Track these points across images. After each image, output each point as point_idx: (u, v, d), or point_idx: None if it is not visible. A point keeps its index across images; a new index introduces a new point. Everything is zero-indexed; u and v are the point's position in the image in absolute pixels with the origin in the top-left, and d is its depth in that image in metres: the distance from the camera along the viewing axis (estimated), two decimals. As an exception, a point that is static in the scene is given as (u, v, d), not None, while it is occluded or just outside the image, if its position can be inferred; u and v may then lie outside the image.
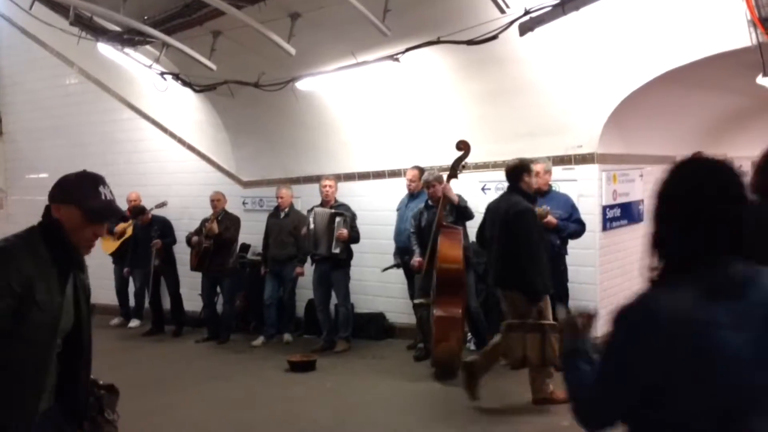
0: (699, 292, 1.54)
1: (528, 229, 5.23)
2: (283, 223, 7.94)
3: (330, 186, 7.48)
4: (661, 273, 1.63)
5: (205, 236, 8.05)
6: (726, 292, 1.55)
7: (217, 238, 8.01)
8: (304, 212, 7.84)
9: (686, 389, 1.52)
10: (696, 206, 1.60)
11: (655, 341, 1.53)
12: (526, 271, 5.15)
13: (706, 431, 1.53)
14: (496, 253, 5.43)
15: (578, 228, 6.29)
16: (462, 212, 6.44)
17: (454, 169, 6.37)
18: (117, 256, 9.24)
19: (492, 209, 5.63)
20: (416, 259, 6.67)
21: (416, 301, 6.78)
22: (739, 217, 1.59)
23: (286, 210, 7.97)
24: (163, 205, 8.95)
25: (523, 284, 5.19)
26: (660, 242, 1.66)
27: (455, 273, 6.13)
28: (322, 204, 7.50)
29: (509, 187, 5.52)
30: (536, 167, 6.27)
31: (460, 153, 6.34)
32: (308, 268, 7.97)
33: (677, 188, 1.67)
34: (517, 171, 5.42)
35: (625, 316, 1.61)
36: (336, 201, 7.54)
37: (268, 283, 8.01)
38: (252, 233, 8.47)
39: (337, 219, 7.27)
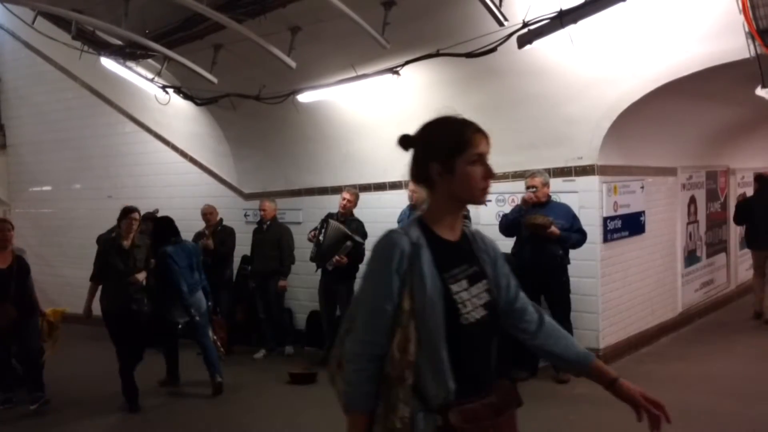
0: None
1: None
2: (265, 237, 7.94)
3: (349, 201, 7.42)
4: None
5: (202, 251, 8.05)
6: None
7: (213, 253, 8.01)
8: (308, 222, 7.85)
9: None
10: None
11: None
12: None
13: None
14: None
15: (580, 238, 6.29)
16: None
17: None
18: None
19: (758, 203, 8.67)
20: None
21: None
22: None
23: (269, 223, 7.97)
24: (155, 211, 8.95)
25: None
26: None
27: None
28: (338, 215, 7.47)
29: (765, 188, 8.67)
30: (534, 181, 6.29)
31: None
32: (300, 280, 8.00)
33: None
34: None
35: None
36: (352, 215, 7.51)
37: (258, 297, 8.02)
38: (253, 245, 8.48)
39: (347, 243, 7.22)
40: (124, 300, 6.18)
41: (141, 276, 6.33)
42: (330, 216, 7.47)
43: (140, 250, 6.41)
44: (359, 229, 7.38)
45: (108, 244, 6.49)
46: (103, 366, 6.80)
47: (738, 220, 9.17)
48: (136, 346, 6.31)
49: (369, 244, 7.47)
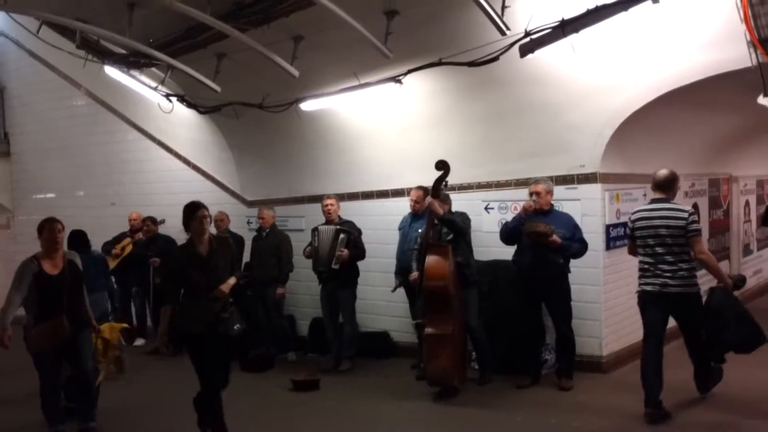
0: None
1: None
2: (264, 244, 7.96)
3: (332, 205, 7.48)
4: None
5: None
6: None
7: None
8: (305, 231, 7.86)
9: None
10: None
11: None
12: None
13: None
14: None
15: (581, 247, 6.28)
16: (449, 225, 6.38)
17: (436, 189, 6.38)
18: (118, 275, 9.22)
19: None
20: (413, 273, 6.67)
21: (414, 321, 6.79)
22: None
23: (267, 230, 7.98)
24: (161, 222, 9.02)
25: None
26: None
27: (441, 290, 6.14)
28: (327, 223, 7.51)
29: None
30: (537, 188, 6.30)
31: (440, 173, 6.35)
32: (303, 286, 8.01)
33: None
34: None
35: None
36: (340, 218, 7.55)
37: (259, 305, 8.03)
38: (257, 253, 8.48)
39: (341, 236, 7.27)
40: (210, 321, 4.92)
41: (227, 287, 4.98)
42: (318, 226, 7.54)
43: (221, 255, 5.04)
44: (352, 228, 7.44)
45: (181, 254, 5.14)
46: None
47: (765, 222, 9.91)
48: (218, 372, 5.10)
49: (369, 248, 7.50)
